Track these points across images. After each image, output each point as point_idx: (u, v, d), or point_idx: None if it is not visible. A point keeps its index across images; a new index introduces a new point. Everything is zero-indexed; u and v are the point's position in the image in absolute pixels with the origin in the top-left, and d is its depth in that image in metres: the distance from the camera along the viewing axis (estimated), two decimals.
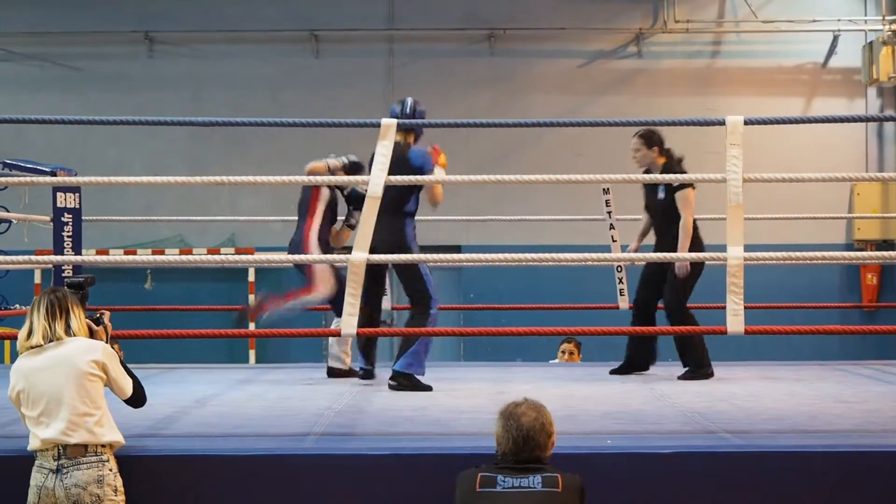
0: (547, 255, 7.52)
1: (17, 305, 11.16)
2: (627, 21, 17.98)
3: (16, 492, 5.80)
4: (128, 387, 5.92)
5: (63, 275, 9.45)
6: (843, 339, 16.54)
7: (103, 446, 5.71)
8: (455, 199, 16.88)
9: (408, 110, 9.09)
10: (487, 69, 17.95)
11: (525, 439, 5.32)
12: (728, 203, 6.92)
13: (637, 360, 9.94)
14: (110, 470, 5.71)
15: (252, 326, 11.39)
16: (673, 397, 8.39)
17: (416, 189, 9.03)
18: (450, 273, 17.86)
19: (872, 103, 17.81)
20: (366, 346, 9.52)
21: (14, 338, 6.15)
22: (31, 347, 5.79)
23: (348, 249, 7.46)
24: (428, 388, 8.86)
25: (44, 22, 17.79)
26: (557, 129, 16.86)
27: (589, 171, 9.17)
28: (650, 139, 9.62)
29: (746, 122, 7.07)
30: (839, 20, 17.77)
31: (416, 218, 9.30)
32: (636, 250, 10.03)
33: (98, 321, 6.03)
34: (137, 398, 5.99)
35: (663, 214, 9.65)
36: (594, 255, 8.82)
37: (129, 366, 5.98)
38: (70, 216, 9.94)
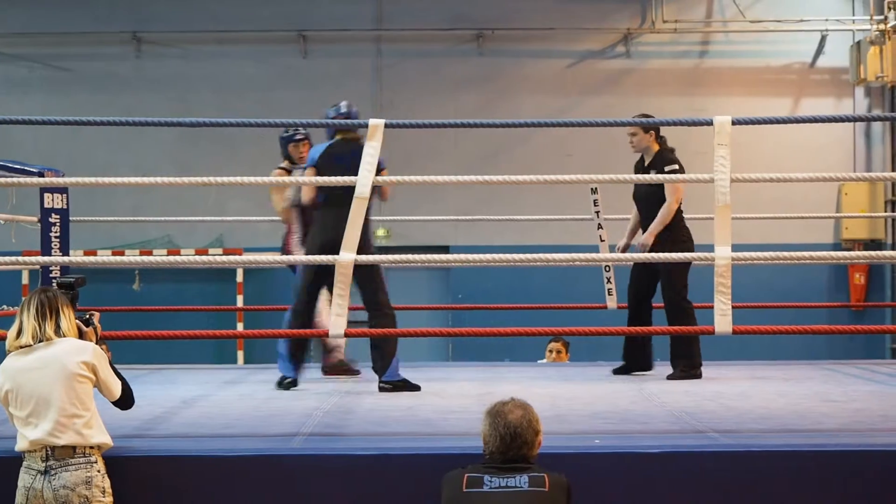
0: (535, 256, 7.53)
1: (5, 306, 11.13)
2: (616, 21, 18.00)
3: (3, 492, 5.78)
4: (117, 388, 5.91)
5: (51, 275, 9.44)
6: (831, 338, 16.55)
7: (91, 448, 5.70)
8: (443, 200, 16.91)
9: (343, 110, 9.24)
10: (476, 69, 17.95)
11: (513, 437, 5.32)
12: (716, 203, 6.92)
13: (636, 360, 9.93)
14: (98, 471, 5.70)
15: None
16: (661, 397, 8.39)
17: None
18: (438, 273, 17.87)
19: (860, 103, 17.84)
20: (297, 350, 9.22)
21: (1, 339, 6.13)
22: (20, 347, 5.77)
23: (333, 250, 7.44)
24: (417, 388, 8.87)
25: (32, 23, 17.76)
26: (546, 129, 16.90)
27: (577, 172, 9.21)
28: (647, 124, 9.68)
29: (734, 123, 7.07)
30: (827, 20, 17.80)
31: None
32: (626, 247, 10.06)
33: (88, 322, 6.01)
34: (126, 400, 5.97)
35: (649, 201, 9.69)
36: (582, 256, 8.83)
37: (116, 366, 5.97)
38: (58, 217, 9.92)
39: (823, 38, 17.87)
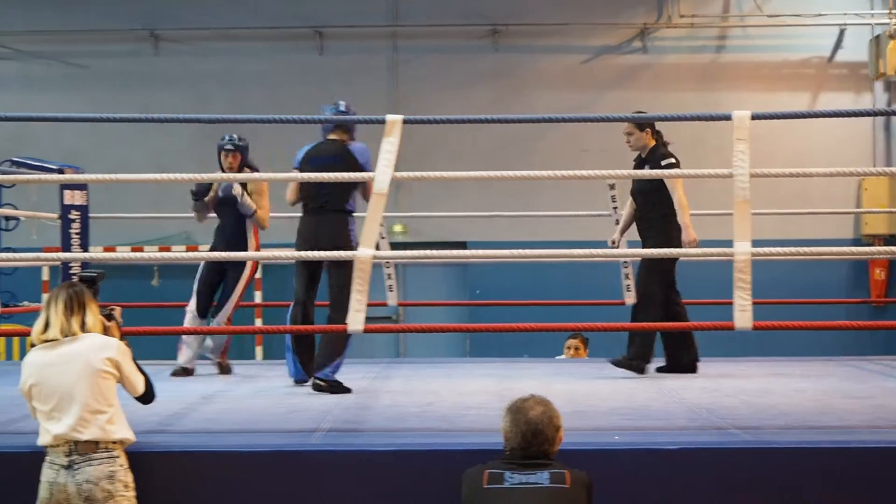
0: (553, 252, 7.54)
1: (26, 302, 11.17)
2: (632, 16, 17.96)
3: (26, 487, 5.80)
4: (140, 384, 5.93)
5: (71, 272, 9.47)
6: (851, 334, 16.47)
7: (114, 443, 5.72)
8: (460, 196, 16.90)
9: (342, 109, 9.11)
10: (491, 65, 17.94)
11: (534, 433, 5.32)
12: (734, 198, 6.89)
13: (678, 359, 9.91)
14: (121, 465, 5.72)
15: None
16: (680, 393, 8.39)
17: (354, 187, 8.94)
18: (455, 269, 17.87)
19: (879, 97, 17.77)
20: (301, 351, 9.07)
21: (24, 335, 6.16)
22: (46, 341, 5.79)
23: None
24: (348, 390, 8.64)
25: (49, 20, 17.80)
26: (562, 124, 16.84)
27: (594, 167, 9.24)
28: (640, 122, 9.73)
29: (753, 117, 7.03)
30: (845, 14, 17.74)
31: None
32: (618, 242, 10.14)
33: (110, 317, 6.03)
34: (148, 395, 5.99)
35: (647, 196, 9.73)
36: (600, 251, 8.84)
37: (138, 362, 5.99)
38: (78, 213, 9.97)
39: (842, 33, 17.81)
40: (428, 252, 8.21)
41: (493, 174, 7.49)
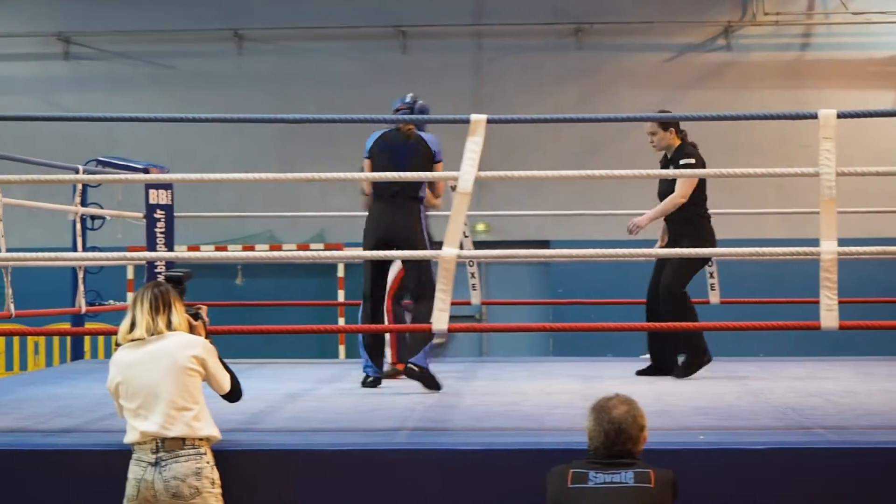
0: (636, 251, 7.51)
1: (112, 301, 11.28)
2: (716, 14, 17.87)
3: (114, 485, 5.86)
4: (226, 382, 5.97)
5: (156, 271, 9.55)
6: None
7: (201, 440, 5.76)
8: (542, 195, 16.88)
9: (408, 101, 9.12)
10: (575, 63, 17.92)
11: (617, 432, 5.30)
12: (821, 197, 6.83)
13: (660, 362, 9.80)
14: (207, 462, 5.76)
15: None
16: (766, 393, 8.34)
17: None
18: (538, 268, 17.87)
19: None
20: (373, 346, 9.08)
21: (110, 333, 6.21)
22: (133, 340, 5.85)
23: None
24: (439, 387, 8.63)
25: (136, 21, 17.99)
26: (645, 123, 16.76)
27: None
28: (665, 121, 9.67)
29: (840, 116, 6.97)
30: None
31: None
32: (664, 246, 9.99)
33: (196, 316, 6.08)
34: (234, 393, 6.04)
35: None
36: (684, 250, 8.78)
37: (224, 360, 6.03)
38: (163, 213, 10.05)
39: None
40: (511, 252, 8.18)
41: (575, 173, 7.50)
